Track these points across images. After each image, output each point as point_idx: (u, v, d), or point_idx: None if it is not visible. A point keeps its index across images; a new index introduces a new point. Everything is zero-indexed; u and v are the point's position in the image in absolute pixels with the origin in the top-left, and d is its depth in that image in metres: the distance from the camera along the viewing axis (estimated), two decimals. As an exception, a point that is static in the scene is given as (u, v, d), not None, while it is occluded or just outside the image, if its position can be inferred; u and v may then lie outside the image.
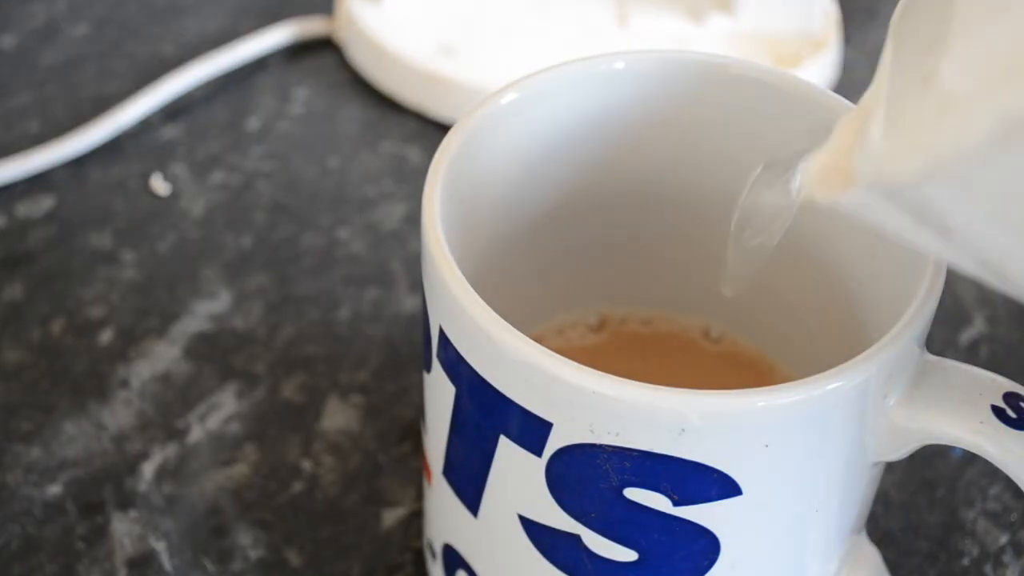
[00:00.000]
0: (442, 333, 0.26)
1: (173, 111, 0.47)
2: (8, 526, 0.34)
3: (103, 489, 0.35)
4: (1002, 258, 0.20)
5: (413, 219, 0.43)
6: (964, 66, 0.18)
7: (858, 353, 0.24)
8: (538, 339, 0.33)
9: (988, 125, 0.17)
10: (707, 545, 0.25)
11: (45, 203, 0.43)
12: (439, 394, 0.27)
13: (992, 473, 0.36)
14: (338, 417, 0.37)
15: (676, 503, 0.24)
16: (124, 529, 0.34)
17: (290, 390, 0.38)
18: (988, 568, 0.34)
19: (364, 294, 0.40)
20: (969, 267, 0.21)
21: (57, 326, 0.39)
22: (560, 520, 0.26)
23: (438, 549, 0.30)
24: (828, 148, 0.23)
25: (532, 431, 0.24)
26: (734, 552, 0.25)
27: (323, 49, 0.50)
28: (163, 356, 0.38)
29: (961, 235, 0.19)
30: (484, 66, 0.46)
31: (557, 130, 0.30)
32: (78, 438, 0.36)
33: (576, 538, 0.26)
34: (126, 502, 0.35)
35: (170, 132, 0.46)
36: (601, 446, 0.24)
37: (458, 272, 0.25)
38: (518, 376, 0.24)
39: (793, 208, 0.25)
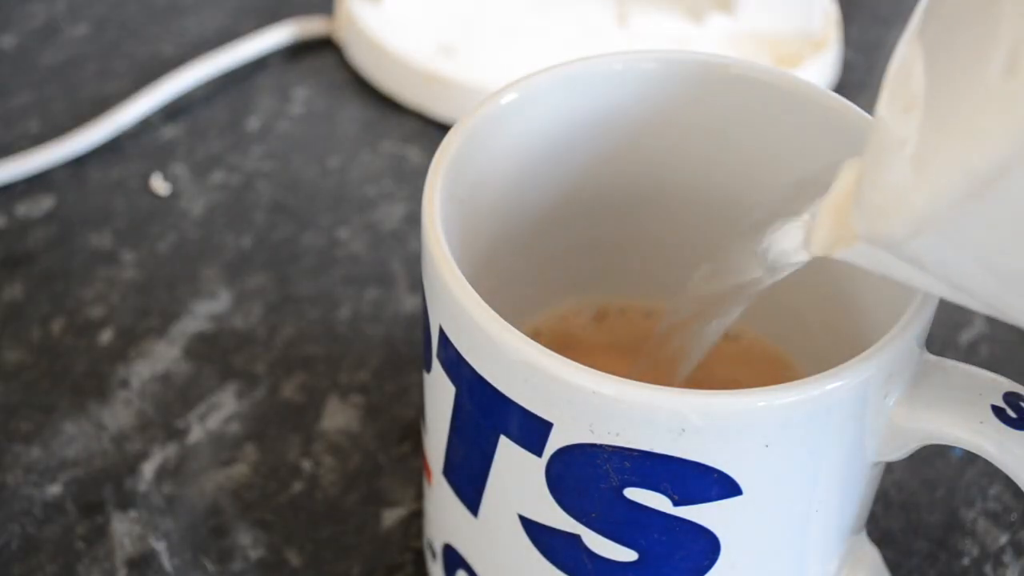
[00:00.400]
0: (442, 333, 0.26)
1: (173, 111, 0.47)
2: (8, 526, 0.34)
3: (103, 489, 0.35)
4: (1001, 301, 0.20)
5: (413, 219, 0.43)
6: (933, 127, 0.19)
7: (858, 353, 0.24)
8: (536, 328, 0.33)
9: (959, 181, 0.18)
10: (707, 545, 0.25)
11: (45, 203, 0.43)
12: (439, 394, 0.27)
13: (992, 473, 0.36)
14: (338, 417, 0.37)
15: (676, 503, 0.24)
16: (124, 529, 0.34)
17: (290, 390, 0.38)
18: (988, 568, 0.34)
19: (364, 294, 0.40)
20: (979, 309, 0.21)
21: (57, 326, 0.39)
22: (560, 520, 0.26)
23: (438, 549, 0.30)
24: (829, 206, 0.23)
25: (532, 431, 0.24)
26: (734, 552, 0.25)
27: (323, 49, 0.50)
28: (163, 356, 0.38)
29: (960, 282, 0.20)
30: (484, 66, 0.46)
31: (557, 130, 0.30)
32: (78, 438, 0.36)
33: (576, 538, 0.26)
34: (126, 502, 0.35)
35: (170, 132, 0.46)
36: (601, 446, 0.24)
37: (458, 272, 0.25)
38: (518, 376, 0.24)
39: (796, 265, 0.26)
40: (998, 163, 0.18)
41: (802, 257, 0.25)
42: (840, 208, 0.23)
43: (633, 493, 0.24)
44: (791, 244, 0.25)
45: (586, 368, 0.23)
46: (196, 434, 0.36)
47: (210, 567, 0.33)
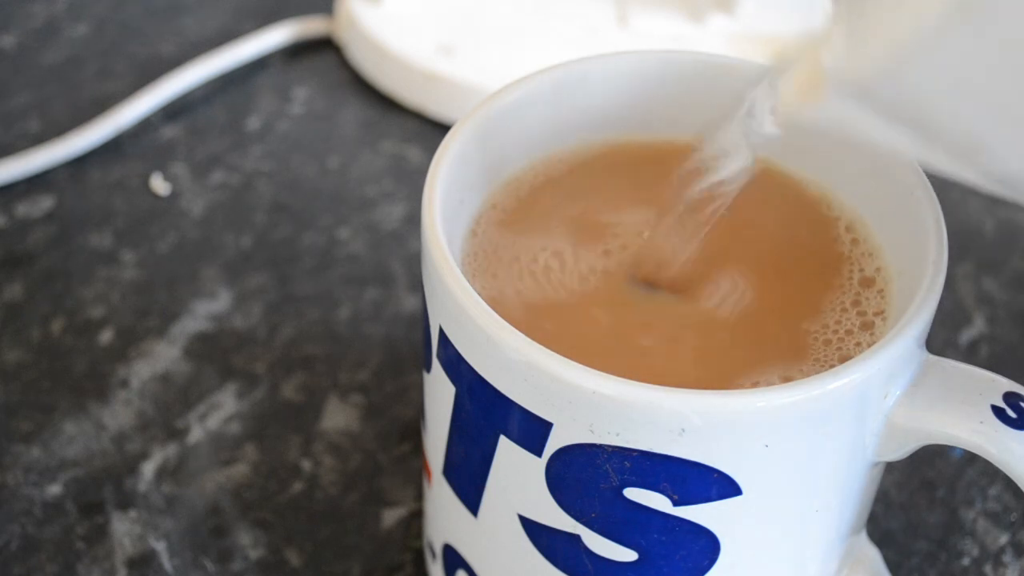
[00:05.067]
0: (442, 333, 0.26)
1: (173, 111, 0.47)
2: (8, 526, 0.34)
3: (103, 489, 0.35)
4: (975, 139, 0.20)
5: (413, 219, 0.43)
6: None
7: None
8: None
9: (936, 3, 0.18)
10: (707, 545, 0.25)
11: (45, 203, 0.43)
12: (439, 394, 0.27)
13: (992, 473, 0.36)
14: (338, 417, 0.37)
15: (676, 503, 0.24)
16: (124, 529, 0.34)
17: (290, 390, 0.38)
18: (988, 568, 0.34)
19: (364, 294, 0.40)
20: (948, 169, 0.21)
21: (57, 326, 0.39)
22: (560, 520, 0.26)
23: (438, 549, 0.30)
24: (800, 66, 0.23)
25: (532, 431, 0.24)
26: (734, 552, 0.25)
27: (323, 49, 0.50)
28: (163, 356, 0.38)
29: (938, 125, 0.20)
30: (484, 66, 0.46)
31: (557, 130, 0.30)
32: (78, 438, 0.36)
33: (576, 538, 0.26)
34: (126, 502, 0.35)
35: (170, 132, 0.46)
36: (601, 446, 0.24)
37: (458, 272, 0.25)
38: (518, 376, 0.24)
39: (768, 136, 0.25)
40: None
41: (767, 127, 0.25)
42: (810, 61, 0.23)
43: (633, 493, 0.24)
44: (771, 101, 0.25)
45: (586, 368, 0.23)
46: (196, 434, 0.36)
47: (210, 567, 0.33)
